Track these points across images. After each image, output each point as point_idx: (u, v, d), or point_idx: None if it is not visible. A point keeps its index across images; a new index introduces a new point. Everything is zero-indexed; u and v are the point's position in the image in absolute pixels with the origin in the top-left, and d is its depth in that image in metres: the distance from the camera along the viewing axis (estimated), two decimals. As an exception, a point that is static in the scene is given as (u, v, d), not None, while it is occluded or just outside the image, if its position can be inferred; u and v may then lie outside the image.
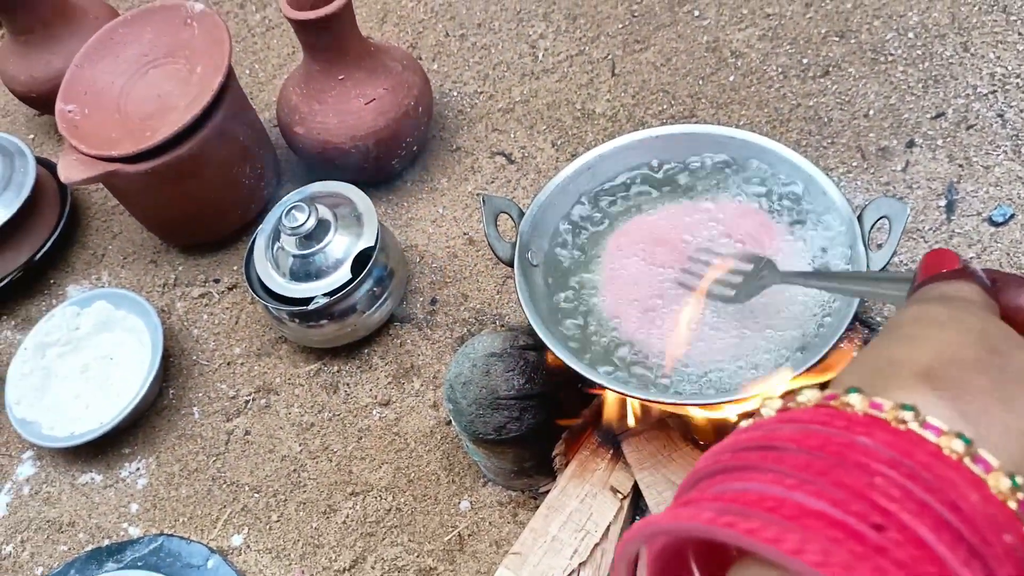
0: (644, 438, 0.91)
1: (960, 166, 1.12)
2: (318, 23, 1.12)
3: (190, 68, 1.21)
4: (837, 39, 1.29)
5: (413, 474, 1.07)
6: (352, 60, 1.19)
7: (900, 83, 1.22)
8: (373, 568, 1.01)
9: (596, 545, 0.86)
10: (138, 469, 1.16)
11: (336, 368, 1.17)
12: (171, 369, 1.23)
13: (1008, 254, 1.04)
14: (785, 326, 0.76)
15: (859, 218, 0.78)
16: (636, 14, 1.42)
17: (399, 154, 1.26)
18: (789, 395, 0.29)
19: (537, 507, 0.92)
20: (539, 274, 0.87)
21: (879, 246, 0.76)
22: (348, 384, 1.16)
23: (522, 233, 0.86)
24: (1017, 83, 1.17)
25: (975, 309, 0.32)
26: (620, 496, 0.89)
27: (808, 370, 0.70)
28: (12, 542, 1.13)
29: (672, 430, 0.90)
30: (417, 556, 1.01)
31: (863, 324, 0.93)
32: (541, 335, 0.78)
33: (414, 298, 1.20)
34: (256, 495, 1.10)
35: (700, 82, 1.31)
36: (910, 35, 1.26)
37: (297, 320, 1.11)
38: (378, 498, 1.06)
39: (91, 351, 1.22)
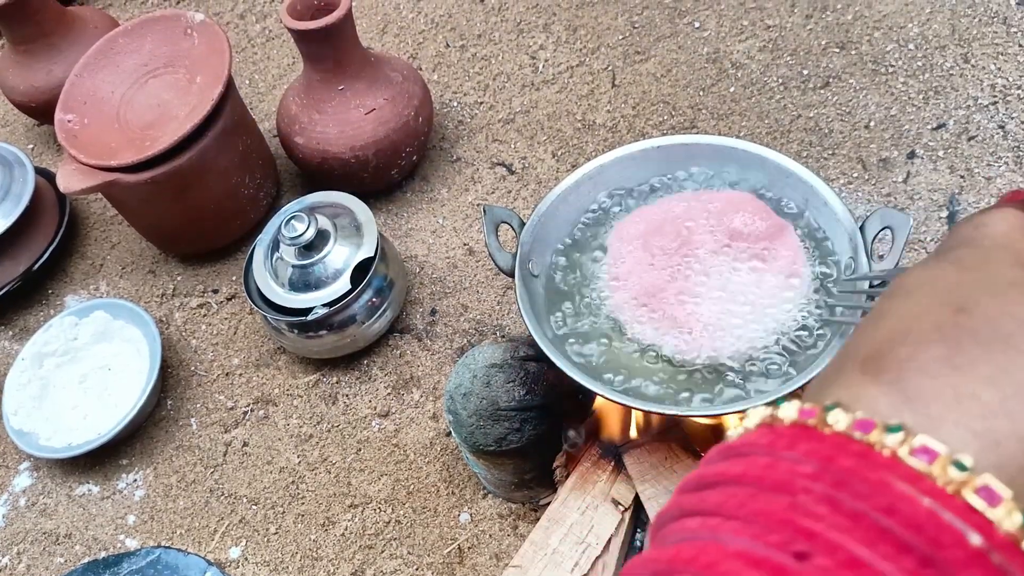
0: (646, 450, 0.90)
1: (962, 177, 1.12)
2: (318, 33, 1.12)
3: (190, 78, 1.21)
4: (838, 50, 1.29)
5: (412, 486, 1.06)
6: (352, 70, 1.19)
7: (901, 94, 1.22)
8: (372, 581, 1.01)
9: (597, 558, 0.86)
10: (135, 480, 1.15)
11: (335, 379, 1.17)
12: (169, 380, 1.22)
13: (1010, 265, 1.04)
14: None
15: (861, 229, 0.78)
16: (636, 25, 1.42)
17: (399, 164, 1.26)
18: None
19: (537, 519, 0.91)
20: (540, 284, 0.86)
21: (881, 257, 0.76)
22: (347, 395, 1.15)
23: (523, 243, 0.85)
24: (1018, 94, 1.17)
25: (978, 251, 0.27)
26: (621, 508, 0.88)
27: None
28: (8, 554, 1.12)
29: (673, 442, 0.90)
30: (416, 569, 1.00)
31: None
32: (542, 346, 0.77)
33: (414, 309, 1.20)
34: (254, 507, 1.09)
35: (701, 93, 1.31)
36: (910, 47, 1.26)
37: (296, 331, 1.10)
38: (377, 510, 1.05)
39: (89, 361, 1.21)
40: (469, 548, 1.00)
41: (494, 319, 1.16)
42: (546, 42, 1.45)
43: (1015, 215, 0.28)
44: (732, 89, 1.30)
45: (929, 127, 1.18)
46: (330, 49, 1.16)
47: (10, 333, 1.35)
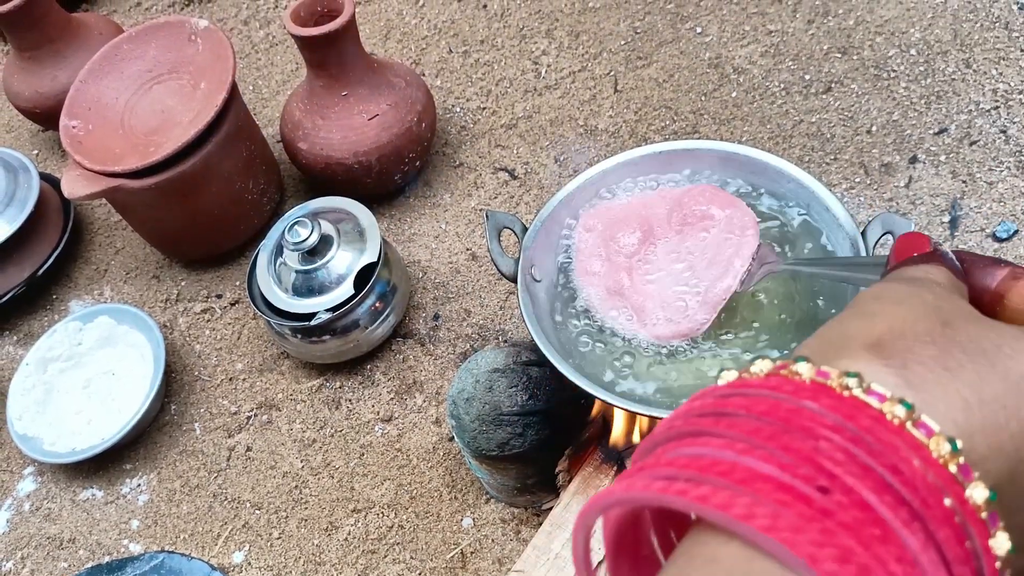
0: (648, 455, 0.90)
1: (963, 182, 1.12)
2: (322, 40, 1.12)
3: (194, 84, 1.22)
4: (839, 55, 1.29)
5: (415, 491, 1.06)
6: (355, 76, 1.19)
7: (903, 99, 1.22)
8: (375, 586, 1.01)
9: (600, 563, 0.85)
10: (139, 485, 1.15)
11: (338, 384, 1.17)
12: (173, 385, 1.22)
13: (1012, 270, 1.04)
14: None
15: (863, 234, 0.78)
16: (638, 31, 1.43)
17: (402, 170, 1.26)
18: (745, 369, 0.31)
19: (540, 524, 0.91)
20: (542, 289, 0.86)
21: (883, 262, 0.76)
22: (350, 400, 1.15)
23: (525, 248, 0.86)
24: (1020, 99, 1.17)
25: (938, 289, 0.33)
26: (624, 513, 0.88)
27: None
28: (12, 559, 1.13)
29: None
30: (419, 574, 1.00)
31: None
32: (544, 351, 0.77)
33: (417, 313, 1.20)
34: (257, 512, 1.09)
35: (703, 98, 1.31)
36: (912, 51, 1.26)
37: (299, 335, 1.11)
38: (380, 515, 1.05)
39: (93, 366, 1.22)
40: (472, 553, 1.00)
41: (497, 324, 1.17)
42: (548, 48, 1.45)
43: (939, 271, 0.34)
44: (734, 94, 1.30)
45: (931, 132, 1.18)
46: (333, 55, 1.16)
47: (15, 338, 1.35)
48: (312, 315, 1.08)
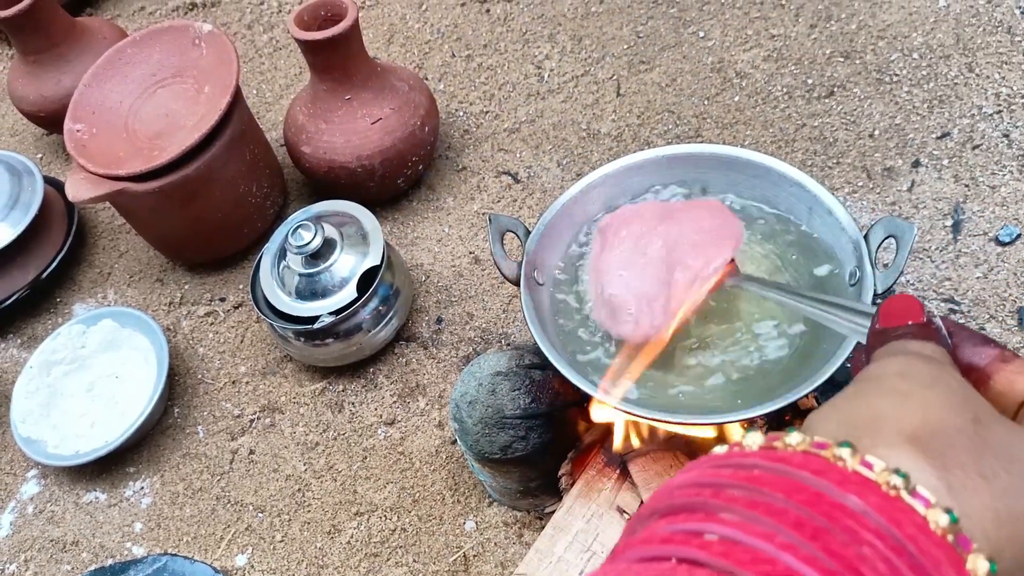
0: (651, 458, 0.90)
1: (966, 186, 1.12)
2: (325, 44, 1.13)
3: (198, 88, 1.22)
4: (842, 60, 1.29)
5: (418, 494, 1.06)
6: (359, 80, 1.20)
7: (905, 103, 1.22)
8: (377, 589, 1.01)
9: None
10: (142, 488, 1.15)
11: (341, 387, 1.17)
12: (176, 388, 1.23)
13: (1015, 274, 1.04)
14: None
15: (865, 237, 0.78)
16: (641, 35, 1.43)
17: (405, 173, 1.26)
18: (772, 433, 0.29)
19: (543, 527, 0.92)
20: (545, 293, 0.86)
21: (885, 266, 0.76)
22: (353, 403, 1.16)
23: (528, 252, 0.86)
24: (1022, 103, 1.17)
25: (957, 375, 0.32)
26: (626, 516, 0.88)
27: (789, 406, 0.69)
28: (16, 561, 1.13)
29: (678, 449, 0.90)
30: (422, 577, 1.00)
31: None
32: (547, 354, 0.78)
33: (420, 317, 1.20)
34: (260, 515, 1.09)
35: (705, 102, 1.31)
36: (915, 56, 1.26)
37: (303, 339, 1.11)
38: (383, 518, 1.05)
39: (97, 369, 1.22)
40: (474, 556, 1.01)
41: (499, 327, 1.17)
42: (551, 52, 1.45)
43: (934, 349, 0.33)
44: (737, 98, 1.30)
45: (934, 136, 1.18)
46: (337, 59, 1.16)
47: (18, 341, 1.36)
48: (315, 318, 1.09)
